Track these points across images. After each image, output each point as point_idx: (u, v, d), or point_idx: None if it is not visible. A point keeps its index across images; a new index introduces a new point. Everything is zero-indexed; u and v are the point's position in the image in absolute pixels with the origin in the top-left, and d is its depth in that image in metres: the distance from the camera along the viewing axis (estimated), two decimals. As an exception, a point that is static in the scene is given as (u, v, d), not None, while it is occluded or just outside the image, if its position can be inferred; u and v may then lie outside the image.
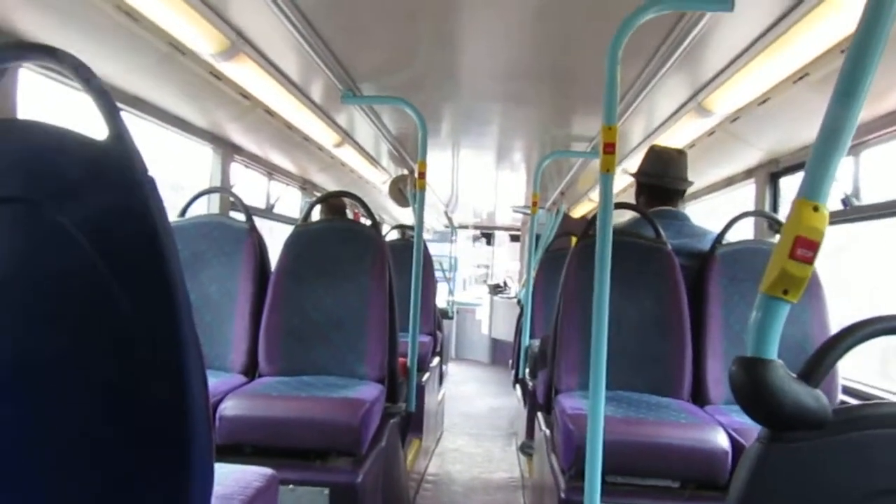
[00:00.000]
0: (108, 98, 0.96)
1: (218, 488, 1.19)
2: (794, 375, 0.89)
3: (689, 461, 2.07)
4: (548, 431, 2.71)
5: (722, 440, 2.07)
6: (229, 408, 2.20)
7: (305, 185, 4.96)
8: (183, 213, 2.94)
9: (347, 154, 4.58)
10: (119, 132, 0.95)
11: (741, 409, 0.92)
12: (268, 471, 1.46)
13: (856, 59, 0.89)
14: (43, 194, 0.96)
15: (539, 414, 3.12)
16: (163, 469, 1.03)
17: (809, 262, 0.88)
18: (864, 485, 0.86)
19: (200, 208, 3.21)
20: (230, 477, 1.37)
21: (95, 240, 0.96)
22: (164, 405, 1.00)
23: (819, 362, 0.88)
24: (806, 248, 0.88)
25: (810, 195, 0.90)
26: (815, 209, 0.89)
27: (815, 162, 0.90)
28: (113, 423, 1.01)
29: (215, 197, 3.44)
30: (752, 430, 2.09)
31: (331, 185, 5.30)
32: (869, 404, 0.90)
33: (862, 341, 0.89)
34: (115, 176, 0.96)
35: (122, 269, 0.97)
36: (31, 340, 1.00)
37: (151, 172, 0.99)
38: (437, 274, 5.58)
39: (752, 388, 0.89)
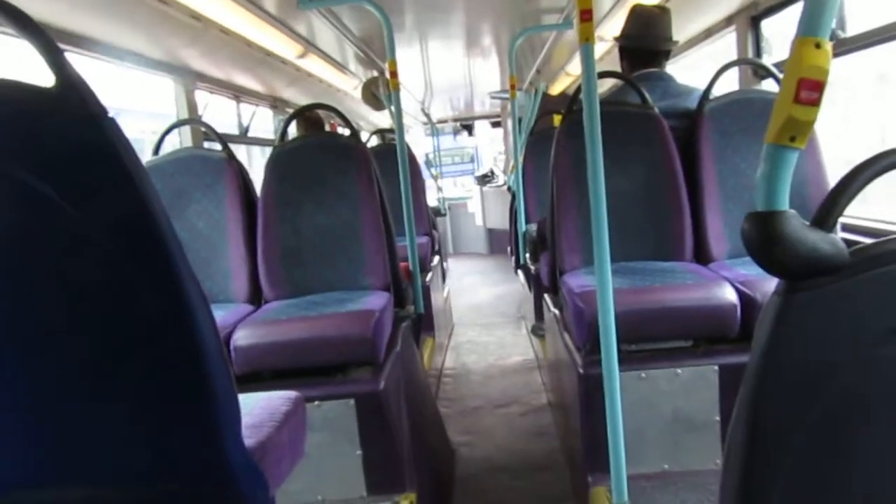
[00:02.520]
0: (47, 41, 0.89)
1: (246, 418, 1.20)
2: (807, 223, 0.87)
3: (699, 319, 2.11)
4: (557, 312, 2.74)
5: (729, 294, 2.10)
6: (242, 338, 2.21)
7: (276, 104, 4.80)
8: (156, 151, 2.85)
9: (313, 64, 4.41)
10: (67, 76, 0.89)
11: (756, 264, 0.90)
12: (292, 393, 1.47)
13: None
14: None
15: (546, 296, 3.16)
16: (188, 411, 1.03)
17: (816, 103, 0.84)
18: (888, 320, 0.86)
19: (172, 145, 3.11)
20: (257, 406, 1.38)
21: (68, 194, 0.92)
22: (175, 347, 0.99)
23: (832, 206, 0.86)
24: (811, 89, 0.83)
25: (811, 31, 0.84)
26: (818, 45, 0.83)
27: None
28: (129, 376, 1.01)
29: (186, 131, 3.33)
30: (757, 281, 2.12)
31: (301, 100, 5.13)
32: (884, 241, 0.88)
33: (871, 180, 0.86)
34: (70, 123, 0.90)
35: (105, 218, 0.93)
36: (29, 305, 0.98)
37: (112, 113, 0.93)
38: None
39: (766, 242, 0.87)
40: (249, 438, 1.19)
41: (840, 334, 0.87)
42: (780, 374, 0.89)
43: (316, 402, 2.17)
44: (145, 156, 2.83)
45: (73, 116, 0.89)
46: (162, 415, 1.03)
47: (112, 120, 0.92)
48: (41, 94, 0.89)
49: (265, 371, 2.23)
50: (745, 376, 0.91)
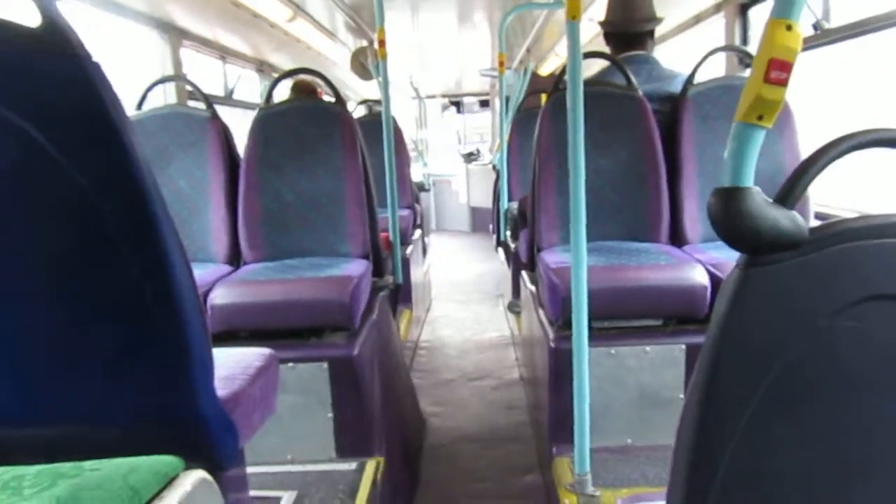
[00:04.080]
0: None
1: (220, 370, 1.22)
2: (770, 200, 0.90)
3: (670, 298, 2.16)
4: (533, 288, 2.78)
5: (700, 276, 2.15)
6: (219, 296, 2.23)
7: (262, 67, 4.76)
8: (139, 105, 2.82)
9: (302, 29, 4.36)
10: (52, 17, 0.89)
11: (720, 239, 0.93)
12: (267, 350, 1.50)
13: None
14: None
15: (523, 272, 3.19)
16: (163, 359, 1.05)
17: (783, 83, 0.87)
18: (843, 296, 0.90)
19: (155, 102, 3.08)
20: (230, 359, 1.41)
21: (51, 135, 0.92)
22: (154, 299, 1.01)
23: (794, 185, 0.89)
24: (780, 69, 0.86)
25: (782, 13, 0.87)
26: (789, 28, 0.86)
27: None
28: (108, 323, 1.03)
29: (170, 88, 3.30)
30: (729, 263, 2.16)
31: (289, 65, 5.08)
32: (844, 220, 0.91)
33: (832, 160, 0.89)
34: (56, 63, 0.90)
35: (87, 162, 0.94)
36: (11, 247, 0.99)
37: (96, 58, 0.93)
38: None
39: (729, 216, 0.90)
40: (222, 389, 1.22)
41: (795, 308, 0.91)
42: (735, 345, 0.93)
43: (290, 364, 2.20)
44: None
45: (58, 56, 0.90)
46: (138, 361, 1.05)
47: (97, 64, 0.93)
48: (27, 34, 0.89)
49: (241, 330, 2.25)
50: (703, 347, 0.95)
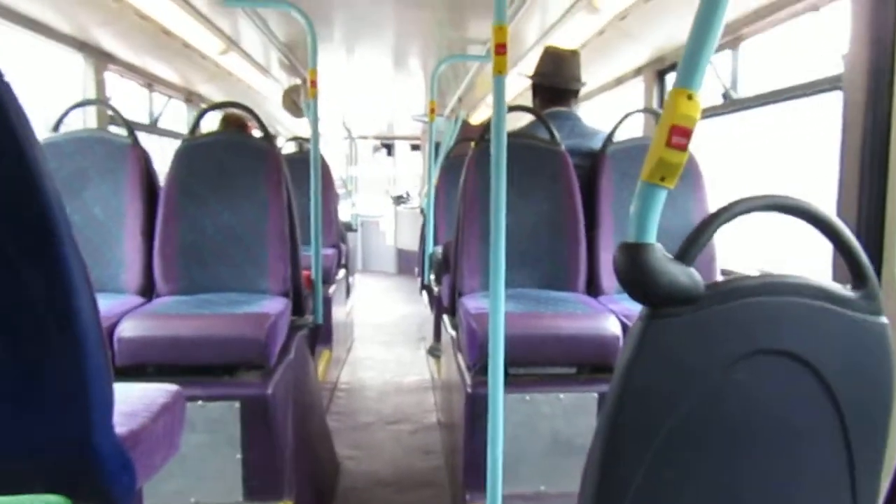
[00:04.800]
0: None
1: (121, 406, 1.17)
2: (671, 257, 0.96)
3: (583, 347, 2.21)
4: (453, 333, 2.80)
5: (613, 326, 2.22)
6: (127, 329, 2.14)
7: (191, 98, 4.68)
8: (56, 127, 2.72)
9: (234, 63, 4.34)
10: None
11: (624, 290, 0.98)
12: (173, 387, 1.45)
13: None
14: None
15: (445, 317, 3.21)
16: (58, 388, 1.01)
17: (684, 148, 0.93)
18: (734, 349, 0.95)
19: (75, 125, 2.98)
20: (133, 394, 1.35)
21: None
22: (53, 326, 0.97)
23: (692, 243, 0.95)
24: (680, 135, 0.93)
25: (684, 83, 0.94)
26: (689, 97, 0.93)
27: (688, 53, 0.94)
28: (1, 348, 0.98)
29: (91, 112, 3.20)
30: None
31: (219, 97, 5.03)
32: (737, 278, 0.98)
33: (725, 222, 0.96)
34: None
35: None
36: None
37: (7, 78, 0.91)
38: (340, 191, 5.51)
39: (631, 270, 0.95)
40: (122, 426, 1.17)
41: (690, 360, 0.96)
42: (636, 394, 0.96)
43: (199, 402, 2.12)
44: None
45: None
46: (32, 391, 1.00)
47: (8, 84, 0.90)
48: None
49: (149, 365, 2.16)
50: (607, 395, 0.98)
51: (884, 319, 0.97)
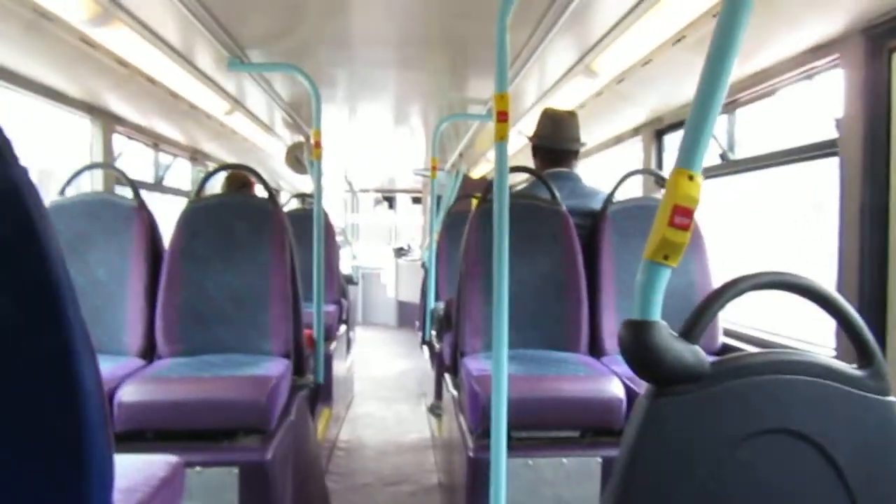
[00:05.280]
0: None
1: (120, 481, 1.15)
2: (675, 334, 0.96)
3: (587, 411, 2.19)
4: (455, 393, 2.78)
5: (617, 389, 2.20)
6: (127, 393, 2.12)
7: (196, 156, 4.75)
8: (62, 191, 2.76)
9: (239, 122, 4.42)
10: None
11: (629, 367, 0.98)
12: (172, 458, 1.43)
13: (722, 30, 0.94)
14: None
15: (446, 375, 3.19)
16: (55, 466, 0.99)
17: (686, 228, 0.94)
18: (740, 428, 0.95)
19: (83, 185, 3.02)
20: (132, 468, 1.33)
21: None
22: (51, 396, 0.95)
23: (696, 321, 0.95)
24: (682, 215, 0.94)
25: (685, 164, 0.95)
26: (690, 178, 0.95)
27: (688, 133, 0.96)
28: None
29: (98, 171, 3.25)
30: (644, 377, 2.24)
31: (223, 155, 5.10)
32: (741, 356, 0.98)
33: (730, 300, 0.97)
34: None
35: None
36: None
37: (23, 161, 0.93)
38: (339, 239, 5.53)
39: (637, 348, 0.95)
40: (121, 503, 1.15)
41: (698, 438, 0.95)
42: (642, 472, 0.95)
43: (197, 468, 2.09)
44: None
45: None
46: (26, 466, 0.98)
47: (24, 168, 0.92)
48: None
49: (149, 430, 2.14)
50: (613, 470, 0.97)
51: (892, 398, 0.97)
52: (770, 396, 0.96)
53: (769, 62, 2.27)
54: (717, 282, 2.65)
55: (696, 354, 0.95)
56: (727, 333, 2.65)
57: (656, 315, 0.96)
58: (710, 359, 0.97)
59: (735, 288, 0.97)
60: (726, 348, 2.55)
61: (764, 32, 2.03)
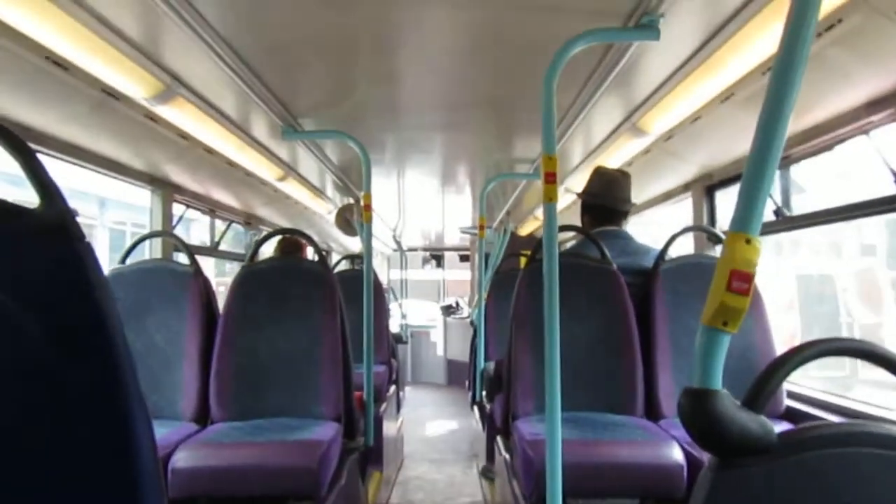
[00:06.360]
0: (40, 166, 0.94)
1: None
2: (739, 403, 0.92)
3: (646, 478, 2.11)
4: (507, 456, 2.71)
5: (677, 455, 2.12)
6: (181, 459, 2.14)
7: (250, 220, 4.89)
8: (124, 259, 2.86)
9: (291, 187, 4.54)
10: (52, 202, 0.93)
11: (691, 438, 0.94)
12: None
13: (776, 87, 0.93)
14: None
15: (498, 438, 3.13)
16: None
17: (745, 293, 0.91)
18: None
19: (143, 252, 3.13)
20: None
21: (29, 309, 0.93)
22: (107, 463, 0.96)
23: (761, 389, 0.91)
24: (741, 280, 0.91)
25: (741, 227, 0.93)
26: (748, 241, 0.92)
27: (743, 195, 0.94)
28: (56, 489, 0.98)
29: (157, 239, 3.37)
30: (705, 442, 2.14)
31: (276, 219, 5.23)
32: (810, 426, 0.93)
33: (798, 366, 0.92)
34: (49, 245, 0.93)
35: (58, 334, 0.94)
36: None
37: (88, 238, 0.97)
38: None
39: (699, 419, 0.91)
40: (174, 576, 1.15)
41: None
42: None
43: None
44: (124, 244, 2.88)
45: (50, 239, 0.93)
46: None
47: (88, 244, 0.96)
48: (24, 216, 0.92)
49: (202, 497, 2.14)
50: None
51: None
52: (846, 472, 0.91)
53: (824, 117, 2.23)
54: (777, 343, 2.56)
55: (762, 425, 0.91)
56: (791, 396, 2.54)
57: (717, 383, 0.93)
58: (778, 427, 0.92)
59: (802, 354, 0.93)
60: (791, 412, 2.44)
61: (818, 88, 2.00)
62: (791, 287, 7.47)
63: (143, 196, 3.43)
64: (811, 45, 0.92)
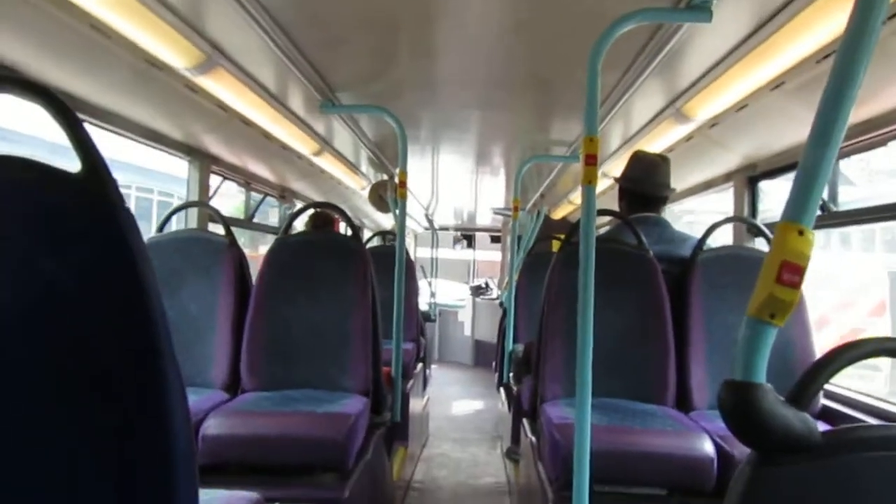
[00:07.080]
0: (84, 133, 0.94)
1: None
2: (782, 399, 0.89)
3: (675, 469, 2.08)
4: (534, 439, 2.70)
5: (707, 447, 2.08)
6: (212, 426, 2.17)
7: (284, 193, 4.91)
8: (161, 228, 2.89)
9: (326, 162, 4.55)
10: (94, 165, 0.93)
11: (730, 432, 0.92)
12: (253, 495, 1.44)
13: (842, 71, 0.89)
14: (18, 230, 0.94)
15: (524, 420, 3.12)
16: (145, 497, 1.00)
17: (796, 286, 0.88)
18: None
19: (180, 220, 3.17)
20: (215, 503, 1.35)
21: (71, 274, 0.94)
22: (141, 429, 0.98)
23: (806, 386, 0.89)
24: (792, 272, 0.88)
25: (795, 217, 0.90)
26: (801, 233, 0.88)
27: (797, 184, 0.90)
28: (93, 451, 0.99)
29: (193, 209, 3.40)
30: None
31: (310, 193, 5.26)
32: (855, 427, 0.90)
33: (846, 365, 0.89)
34: (90, 210, 0.94)
35: (99, 299, 0.95)
36: (9, 378, 0.98)
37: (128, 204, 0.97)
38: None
39: (740, 412, 0.89)
40: (203, 540, 1.16)
41: None
42: None
43: None
44: (153, 216, 2.89)
45: (92, 204, 0.93)
46: (114, 496, 1.00)
47: (128, 210, 0.96)
48: (66, 181, 0.93)
49: (231, 464, 2.17)
50: None
51: None
52: (885, 473, 0.88)
53: (880, 110, 2.15)
54: (816, 340, 2.49)
55: (805, 423, 0.88)
56: (828, 396, 2.48)
57: (761, 377, 0.90)
58: (821, 427, 0.89)
59: (851, 352, 0.89)
60: (827, 412, 2.38)
61: (878, 79, 1.92)
62: (883, 286, 6.93)
63: (170, 163, 3.43)
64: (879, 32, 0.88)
